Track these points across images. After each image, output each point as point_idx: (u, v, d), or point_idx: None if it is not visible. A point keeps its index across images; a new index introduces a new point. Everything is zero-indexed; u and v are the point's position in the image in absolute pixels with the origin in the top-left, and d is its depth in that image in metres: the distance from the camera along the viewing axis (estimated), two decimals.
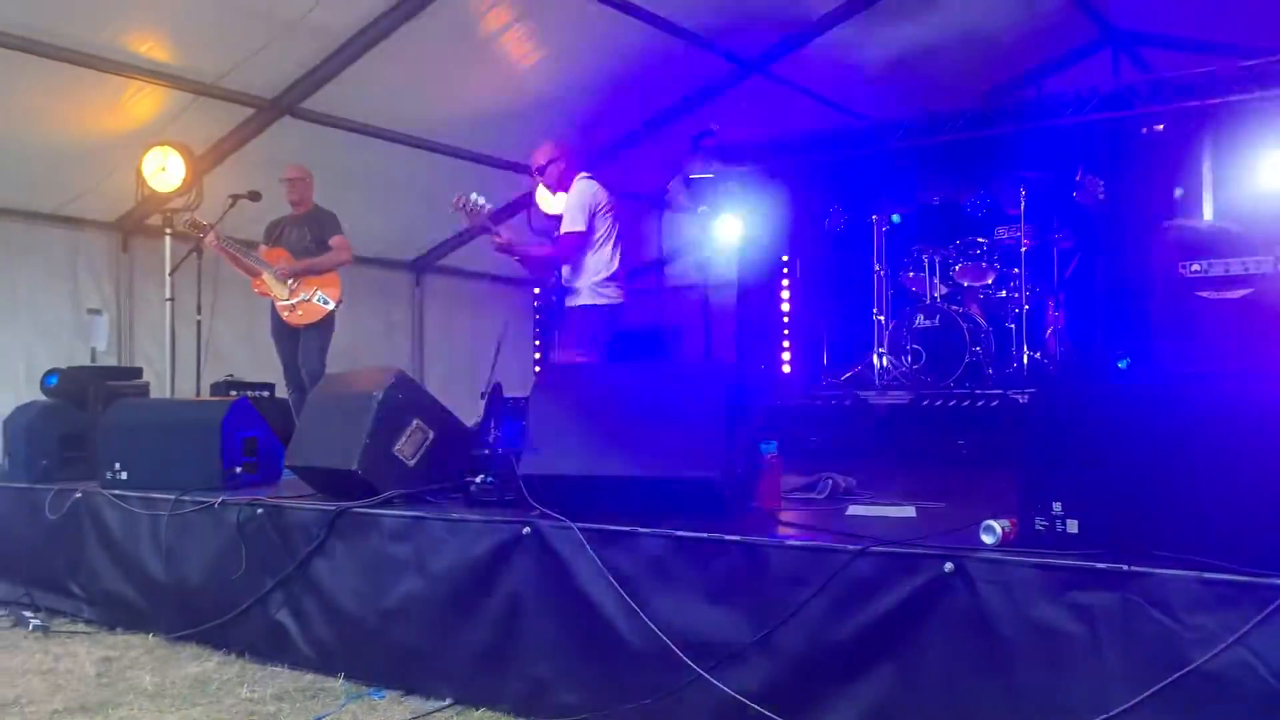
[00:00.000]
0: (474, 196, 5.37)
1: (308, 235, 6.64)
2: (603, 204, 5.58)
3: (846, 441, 7.04)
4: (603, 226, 5.56)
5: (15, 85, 6.27)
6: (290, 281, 6.50)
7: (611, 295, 5.56)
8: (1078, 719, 2.42)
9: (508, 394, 6.57)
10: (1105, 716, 2.38)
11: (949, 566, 2.64)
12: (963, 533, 2.92)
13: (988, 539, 2.72)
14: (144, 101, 6.77)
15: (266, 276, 6.55)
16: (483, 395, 5.96)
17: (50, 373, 6.72)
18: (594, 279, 5.53)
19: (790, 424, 7.15)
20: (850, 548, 2.80)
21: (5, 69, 6.07)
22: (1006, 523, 2.73)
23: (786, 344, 9.07)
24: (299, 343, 6.59)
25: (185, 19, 6.24)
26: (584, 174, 5.67)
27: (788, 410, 7.47)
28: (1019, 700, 2.54)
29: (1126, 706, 2.36)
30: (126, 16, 6.12)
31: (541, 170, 5.70)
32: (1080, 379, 6.90)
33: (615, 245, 5.60)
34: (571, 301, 5.58)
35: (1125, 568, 2.42)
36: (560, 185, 5.68)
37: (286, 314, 6.53)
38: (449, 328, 10.37)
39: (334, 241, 6.66)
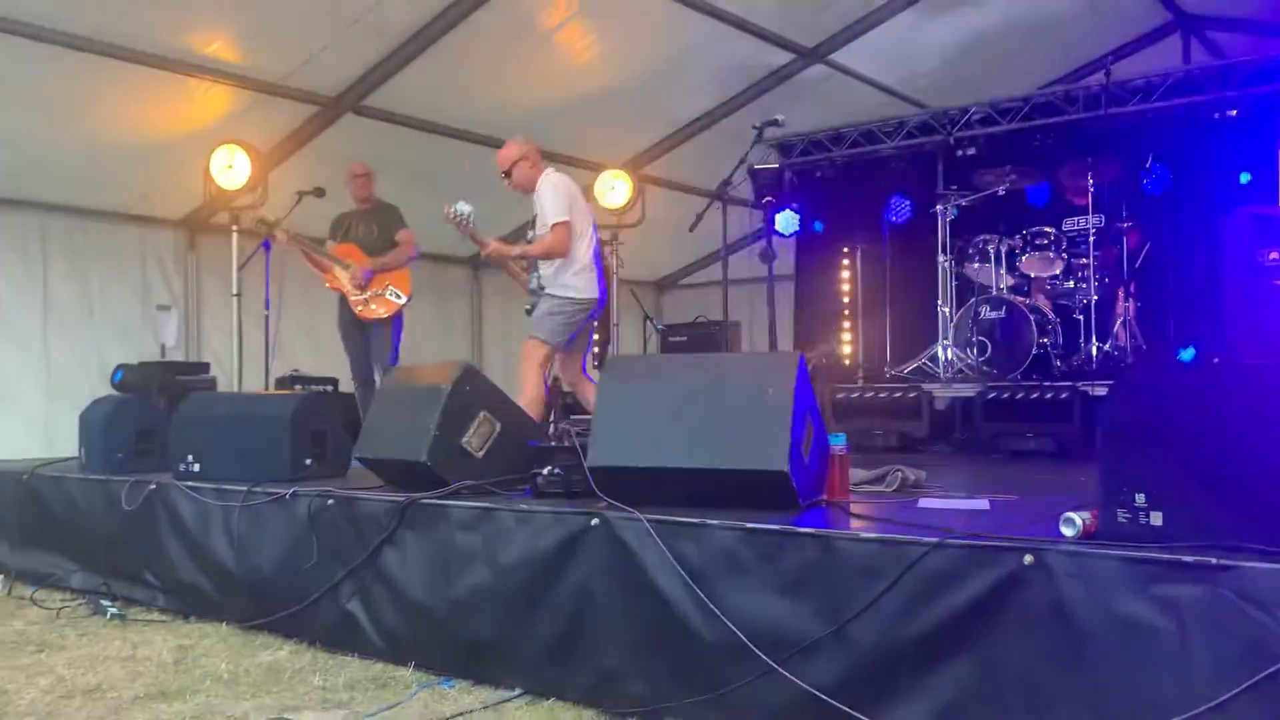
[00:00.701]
0: (459, 206, 5.26)
1: (375, 230, 6.72)
2: (576, 195, 5.46)
3: (911, 434, 6.97)
4: (580, 219, 5.44)
5: (87, 87, 6.42)
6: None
7: (583, 289, 5.45)
8: (1163, 715, 2.36)
9: (566, 388, 6.61)
10: (1192, 713, 2.31)
11: (1029, 559, 2.58)
12: (1040, 525, 2.86)
13: (1068, 531, 2.66)
14: (211, 101, 6.90)
15: (339, 271, 6.63)
16: None
17: (117, 368, 6.88)
18: (568, 272, 5.41)
19: (854, 416, 7.09)
20: (927, 540, 2.75)
21: (77, 71, 6.22)
22: (1087, 515, 2.66)
23: (848, 336, 8.99)
24: (368, 337, 6.67)
25: (251, 19, 6.35)
26: (550, 169, 5.54)
27: (851, 403, 7.41)
28: (1101, 696, 2.48)
29: (1214, 704, 2.29)
30: (194, 18, 6.24)
31: (507, 173, 5.53)
32: (1163, 366, 6.76)
33: (590, 239, 5.49)
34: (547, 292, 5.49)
35: (1214, 560, 2.35)
36: (527, 185, 5.50)
37: (360, 308, 6.62)
38: (507, 323, 10.42)
39: (401, 236, 6.73)
